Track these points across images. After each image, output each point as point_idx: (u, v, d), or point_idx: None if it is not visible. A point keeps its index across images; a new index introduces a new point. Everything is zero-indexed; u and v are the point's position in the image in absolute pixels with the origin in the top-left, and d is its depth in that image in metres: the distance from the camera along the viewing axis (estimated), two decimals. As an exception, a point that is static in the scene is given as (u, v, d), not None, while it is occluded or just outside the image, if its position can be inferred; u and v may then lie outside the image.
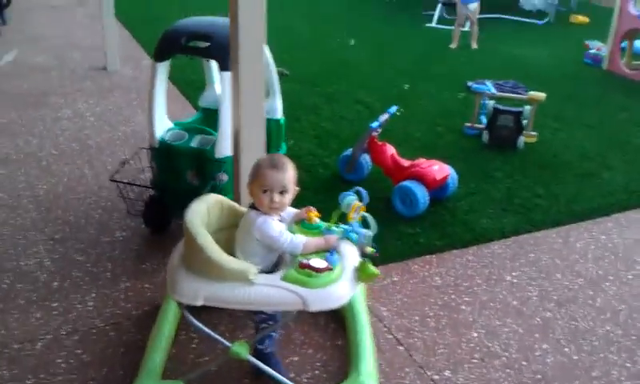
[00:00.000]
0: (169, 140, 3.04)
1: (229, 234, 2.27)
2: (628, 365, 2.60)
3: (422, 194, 3.56)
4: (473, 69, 6.45)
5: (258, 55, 2.39)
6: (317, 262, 2.07)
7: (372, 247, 2.16)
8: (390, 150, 3.85)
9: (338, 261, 2.11)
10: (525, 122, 4.68)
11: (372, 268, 2.09)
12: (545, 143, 4.77)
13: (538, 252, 3.39)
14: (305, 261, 2.08)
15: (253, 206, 2.20)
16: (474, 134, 4.83)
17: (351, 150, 3.95)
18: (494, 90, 4.88)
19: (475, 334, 2.73)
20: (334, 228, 2.25)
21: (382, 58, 6.95)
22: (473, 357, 2.61)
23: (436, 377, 2.48)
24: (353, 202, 2.22)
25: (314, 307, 2.03)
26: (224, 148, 2.86)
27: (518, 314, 2.88)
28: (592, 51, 7.16)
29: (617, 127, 5.27)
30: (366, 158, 3.95)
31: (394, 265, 3.18)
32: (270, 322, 2.28)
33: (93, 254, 3.20)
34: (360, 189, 2.27)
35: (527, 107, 4.70)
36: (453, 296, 2.97)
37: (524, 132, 4.68)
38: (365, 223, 2.22)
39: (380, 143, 3.86)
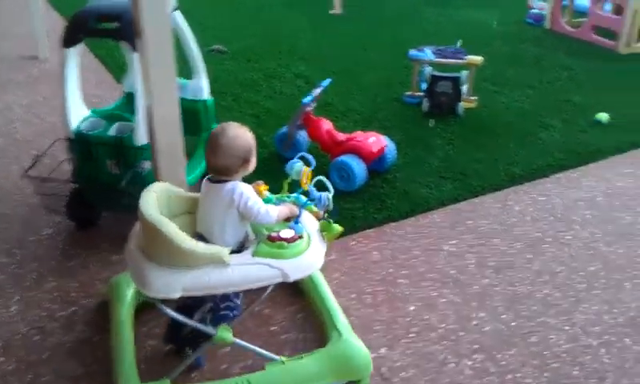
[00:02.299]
0: (84, 130, 2.89)
1: (180, 221, 2.16)
2: (566, 327, 2.58)
3: (358, 168, 3.48)
4: (418, 36, 6.36)
5: (165, 28, 2.26)
6: (286, 232, 2.07)
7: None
8: (326, 124, 3.76)
9: (303, 228, 2.12)
10: (464, 87, 4.63)
11: (336, 226, 2.16)
12: (485, 107, 4.74)
13: (477, 218, 3.36)
14: (274, 233, 2.07)
15: (215, 179, 2.13)
16: (414, 103, 4.76)
17: (287, 127, 3.85)
18: (431, 56, 4.81)
19: (412, 308, 2.68)
20: (285, 198, 2.23)
21: (324, 29, 6.81)
22: (409, 331, 2.56)
23: (373, 355, 2.42)
24: (302, 168, 2.21)
25: (294, 276, 2.04)
26: (143, 134, 2.72)
27: (456, 284, 2.84)
28: (534, 11, 7.15)
29: (557, 87, 5.26)
30: (303, 135, 3.85)
31: (332, 243, 3.10)
32: (231, 304, 2.20)
33: (18, 254, 3.04)
34: (305, 154, 2.28)
35: (465, 72, 4.65)
36: (391, 270, 2.92)
37: (463, 97, 4.64)
38: (322, 186, 2.23)
39: (316, 118, 3.76)
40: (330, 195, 2.20)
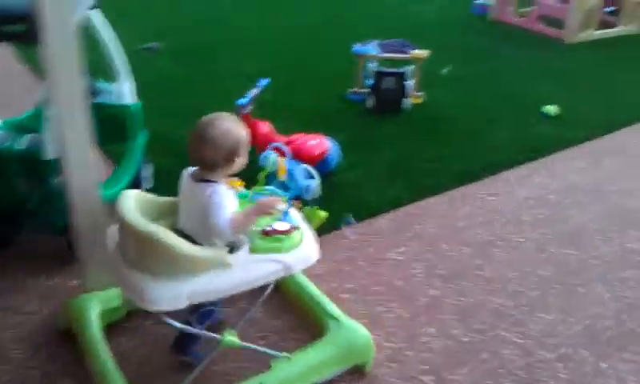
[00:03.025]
0: (-11, 143, 2.59)
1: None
2: (520, 341, 2.43)
3: (299, 173, 3.27)
4: (365, 29, 6.16)
5: (67, 28, 1.99)
6: (280, 225, 2.00)
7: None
8: (264, 127, 3.53)
9: (293, 219, 2.06)
10: (410, 82, 4.46)
11: (322, 212, 2.17)
12: (432, 103, 4.58)
13: (425, 222, 3.18)
14: (267, 228, 1.98)
15: (198, 177, 1.95)
16: (359, 100, 4.58)
17: (222, 130, 3.60)
18: (376, 51, 4.62)
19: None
20: (262, 191, 2.16)
21: (270, 22, 6.55)
22: (355, 353, 2.36)
23: (314, 383, 2.21)
24: (277, 158, 2.15)
25: (297, 268, 2.01)
26: (52, 147, 2.44)
27: (403, 296, 2.66)
28: (479, 1, 7.05)
29: (504, 79, 5.16)
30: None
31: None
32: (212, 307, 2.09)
33: None
34: (279, 144, 2.23)
35: (410, 67, 4.47)
36: (334, 284, 2.70)
37: (410, 93, 4.47)
38: (308, 173, 2.21)
39: (252, 121, 3.52)
40: (318, 182, 2.11)
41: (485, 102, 4.64)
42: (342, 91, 4.71)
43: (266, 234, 1.98)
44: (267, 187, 2.20)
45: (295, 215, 2.11)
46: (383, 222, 3.18)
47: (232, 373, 2.21)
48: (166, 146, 3.71)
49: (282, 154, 2.14)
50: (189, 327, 1.99)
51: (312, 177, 2.11)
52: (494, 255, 2.93)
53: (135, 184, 3.09)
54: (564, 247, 3.00)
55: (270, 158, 2.07)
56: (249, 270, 1.92)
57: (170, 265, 1.83)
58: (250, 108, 3.50)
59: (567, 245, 3.02)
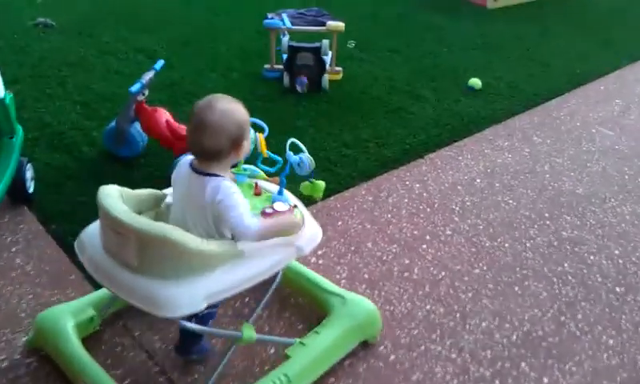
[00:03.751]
0: None
1: None
2: (453, 355, 2.17)
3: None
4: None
5: None
6: (279, 205, 1.87)
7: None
8: (164, 115, 3.12)
9: (288, 197, 1.99)
10: (327, 57, 4.13)
11: (321, 182, 2.06)
12: (351, 79, 4.27)
13: (347, 218, 2.88)
14: (268, 210, 1.84)
15: (199, 169, 1.76)
16: (274, 78, 4.21)
17: (116, 120, 3.17)
18: (289, 23, 4.25)
19: (272, 351, 2.16)
20: (241, 170, 2.00)
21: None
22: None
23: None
24: (255, 135, 2.01)
25: (308, 249, 1.91)
26: None
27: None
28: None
29: (425, 50, 4.90)
30: (138, 128, 3.20)
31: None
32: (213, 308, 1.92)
33: None
34: (255, 120, 2.01)
35: (326, 41, 4.13)
36: (247, 299, 2.37)
37: (328, 69, 4.13)
38: (294, 147, 2.01)
39: (150, 109, 3.11)
40: (308, 155, 2.00)
41: (406, 77, 4.36)
42: (255, 68, 4.33)
43: (266, 215, 1.80)
44: (246, 166, 2.03)
45: (289, 193, 2.02)
46: (301, 219, 2.86)
47: (241, 370, 2.06)
48: (49, 137, 3.27)
49: (261, 131, 2.02)
50: (206, 328, 1.89)
51: (300, 149, 2.00)
52: (423, 253, 2.67)
53: (14, 188, 2.66)
54: (496, 239, 2.78)
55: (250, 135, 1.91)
56: (263, 257, 1.79)
57: (182, 265, 1.65)
58: (144, 95, 3.08)
59: (499, 236, 2.80)
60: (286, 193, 2.01)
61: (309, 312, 2.29)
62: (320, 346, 2.02)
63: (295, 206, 1.92)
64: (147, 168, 3.14)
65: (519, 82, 4.37)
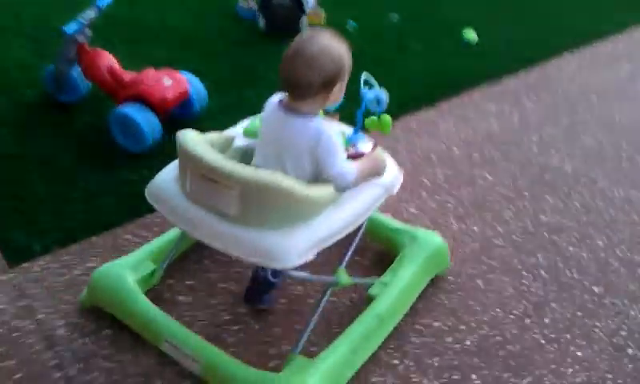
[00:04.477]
0: None
1: None
2: (395, 362, 1.88)
3: (147, 123, 2.59)
4: None
5: None
6: (365, 146, 1.83)
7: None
8: (107, 59, 2.79)
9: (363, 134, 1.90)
10: (308, -2, 3.76)
11: (387, 116, 1.89)
12: (334, 24, 3.87)
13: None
14: (352, 150, 1.79)
15: (291, 107, 1.65)
16: (249, 18, 3.85)
17: (55, 63, 2.85)
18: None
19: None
20: None
21: None
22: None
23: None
24: None
25: (395, 188, 1.89)
26: None
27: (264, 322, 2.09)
28: None
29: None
30: (80, 72, 2.88)
31: (99, 239, 2.24)
32: None
33: None
34: None
35: (307, -19, 3.75)
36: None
37: (308, 11, 3.76)
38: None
39: (91, 51, 2.78)
40: (384, 90, 1.85)
41: (395, 25, 3.98)
42: (228, 5, 3.96)
43: (352, 157, 1.74)
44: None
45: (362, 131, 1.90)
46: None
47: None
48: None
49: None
50: (306, 274, 1.82)
51: (372, 85, 1.86)
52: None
53: None
54: (464, 221, 2.47)
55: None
56: (357, 201, 1.74)
57: (291, 213, 1.58)
58: (85, 35, 2.75)
59: (468, 217, 2.49)
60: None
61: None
62: (401, 282, 2.00)
63: (376, 145, 1.86)
64: (87, 116, 2.85)
65: (519, 38, 3.99)
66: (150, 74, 2.73)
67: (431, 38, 3.86)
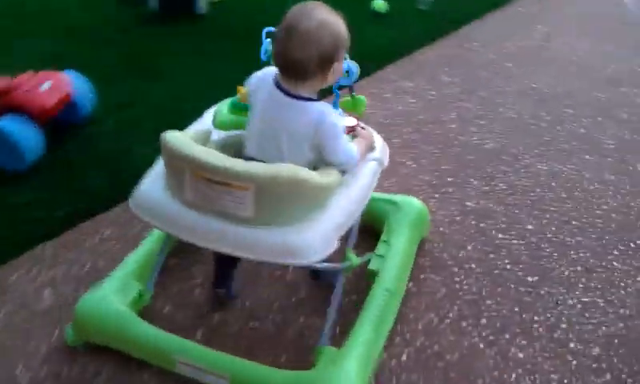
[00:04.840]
0: None
1: None
2: None
3: (26, 137, 2.27)
4: None
5: None
6: (348, 121, 1.73)
7: None
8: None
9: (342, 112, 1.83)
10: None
11: (361, 97, 1.89)
12: (235, 2, 3.61)
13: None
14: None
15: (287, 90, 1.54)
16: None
17: None
18: None
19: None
20: None
21: None
22: None
23: None
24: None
25: (386, 160, 1.82)
26: None
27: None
28: None
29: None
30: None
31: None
32: None
33: None
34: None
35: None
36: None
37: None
38: None
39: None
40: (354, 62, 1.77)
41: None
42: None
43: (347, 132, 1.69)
44: None
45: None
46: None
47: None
48: None
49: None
50: (329, 264, 1.64)
51: None
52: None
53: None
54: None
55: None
56: (361, 179, 1.66)
57: (309, 205, 1.52)
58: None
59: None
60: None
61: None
62: (397, 253, 1.98)
63: (358, 118, 1.79)
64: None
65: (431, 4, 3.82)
66: (25, 78, 2.39)
67: (340, 11, 3.64)
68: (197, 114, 2.29)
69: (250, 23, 3.40)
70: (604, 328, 1.92)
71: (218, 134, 1.75)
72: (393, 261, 1.95)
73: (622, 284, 2.08)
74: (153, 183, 1.59)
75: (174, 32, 3.25)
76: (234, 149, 1.67)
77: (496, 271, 2.11)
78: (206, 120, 1.81)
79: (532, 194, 2.47)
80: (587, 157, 2.69)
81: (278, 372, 1.59)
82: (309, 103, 1.52)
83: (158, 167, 1.61)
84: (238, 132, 1.74)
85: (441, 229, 2.27)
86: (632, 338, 1.89)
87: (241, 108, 1.77)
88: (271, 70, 1.58)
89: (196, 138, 1.62)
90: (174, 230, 1.54)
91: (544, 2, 4.08)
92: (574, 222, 2.33)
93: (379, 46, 3.33)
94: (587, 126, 2.90)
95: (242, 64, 2.99)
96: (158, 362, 1.65)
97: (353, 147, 1.60)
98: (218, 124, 1.77)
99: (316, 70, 1.49)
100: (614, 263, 2.16)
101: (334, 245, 1.51)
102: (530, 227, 2.31)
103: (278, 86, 1.54)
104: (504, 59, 3.38)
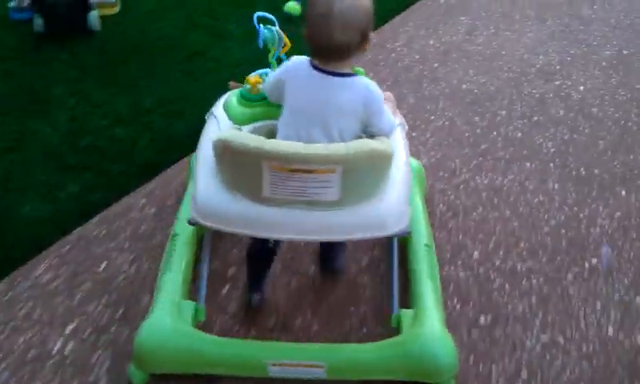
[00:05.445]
0: None
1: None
2: None
3: None
4: None
5: None
6: None
7: None
8: None
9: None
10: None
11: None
12: (134, 10, 3.25)
13: (111, 253, 2.02)
14: None
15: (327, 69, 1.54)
16: (24, 19, 3.10)
17: None
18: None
19: None
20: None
21: None
22: None
23: None
24: (276, 31, 1.79)
25: (406, 125, 1.86)
26: None
27: None
28: None
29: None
30: None
31: None
32: None
33: None
34: (263, 13, 1.77)
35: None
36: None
37: (99, 2, 3.09)
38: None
39: None
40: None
41: (209, 2, 3.41)
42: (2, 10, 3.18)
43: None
44: (264, 70, 1.81)
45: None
46: (66, 253, 1.98)
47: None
48: None
49: (272, 23, 1.78)
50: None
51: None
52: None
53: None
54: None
55: (271, 33, 1.76)
56: (401, 143, 1.69)
57: (383, 176, 1.55)
58: None
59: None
60: None
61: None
62: (418, 209, 1.99)
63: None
64: None
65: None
66: None
67: (249, 16, 3.33)
68: (96, 151, 2.03)
69: (141, 37, 3.09)
70: (568, 372, 1.73)
71: (246, 129, 1.68)
72: (418, 217, 1.97)
73: (581, 313, 1.90)
74: (209, 190, 1.53)
75: (64, 55, 2.87)
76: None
77: (445, 310, 1.88)
78: (221, 117, 1.72)
79: (474, 215, 2.25)
80: (528, 164, 2.50)
81: (371, 346, 1.61)
82: (353, 79, 1.54)
83: (203, 174, 1.56)
84: (262, 123, 1.70)
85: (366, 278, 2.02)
86: (598, 379, 1.71)
87: (251, 99, 1.72)
88: (299, 58, 1.59)
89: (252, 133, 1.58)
90: (253, 229, 1.53)
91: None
92: (522, 244, 2.13)
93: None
94: (523, 128, 2.71)
95: (126, 84, 2.71)
96: (247, 372, 1.60)
97: (391, 115, 1.63)
98: (237, 121, 1.70)
99: (357, 47, 1.51)
100: (570, 290, 1.98)
101: (409, 211, 1.59)
102: (476, 255, 2.09)
103: (316, 68, 1.53)
104: (430, 59, 3.16)
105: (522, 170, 2.47)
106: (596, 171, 2.48)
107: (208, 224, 1.53)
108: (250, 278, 1.81)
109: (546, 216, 2.26)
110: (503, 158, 2.52)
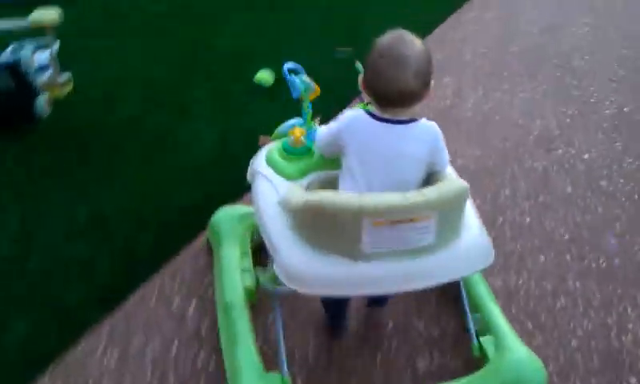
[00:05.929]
0: None
1: None
2: None
3: None
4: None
5: None
6: None
7: None
8: None
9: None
10: (46, 69, 2.73)
11: None
12: (90, 87, 2.96)
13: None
14: None
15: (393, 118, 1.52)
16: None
17: None
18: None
19: None
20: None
21: None
22: None
23: None
24: (306, 78, 1.75)
25: None
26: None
27: None
28: None
29: (181, 34, 3.62)
30: None
31: None
32: None
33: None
34: (292, 65, 1.76)
35: (29, 47, 2.70)
36: None
37: (46, 85, 2.75)
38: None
39: None
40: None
41: (170, 72, 3.11)
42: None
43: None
44: (296, 120, 1.80)
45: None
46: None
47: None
48: None
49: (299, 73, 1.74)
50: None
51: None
52: None
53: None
54: None
55: (304, 83, 1.70)
56: (452, 175, 1.67)
57: (464, 212, 1.56)
58: None
59: None
60: None
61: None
62: None
63: None
64: None
65: (328, 71, 3.27)
66: None
67: (218, 89, 3.03)
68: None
69: (97, 122, 2.76)
70: None
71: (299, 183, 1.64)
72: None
73: None
74: (297, 254, 1.46)
75: (7, 150, 2.53)
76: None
77: None
78: (271, 175, 1.66)
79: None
80: (542, 258, 2.22)
81: (466, 380, 1.63)
82: (417, 124, 1.52)
83: (278, 238, 1.51)
84: (314, 175, 1.66)
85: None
86: None
87: (295, 152, 1.68)
88: (352, 111, 1.57)
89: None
90: (360, 289, 1.52)
91: (446, 46, 3.64)
92: (550, 367, 1.85)
93: (262, 121, 2.74)
94: (531, 211, 2.44)
95: (79, 184, 2.39)
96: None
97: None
98: (288, 176, 1.64)
99: (423, 93, 1.49)
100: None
101: (489, 237, 1.60)
102: None
103: (376, 117, 1.50)
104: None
105: (537, 264, 2.19)
106: (617, 262, 2.22)
107: (310, 292, 1.50)
108: (330, 316, 1.85)
109: (572, 325, 1.98)
110: (515, 251, 2.24)
